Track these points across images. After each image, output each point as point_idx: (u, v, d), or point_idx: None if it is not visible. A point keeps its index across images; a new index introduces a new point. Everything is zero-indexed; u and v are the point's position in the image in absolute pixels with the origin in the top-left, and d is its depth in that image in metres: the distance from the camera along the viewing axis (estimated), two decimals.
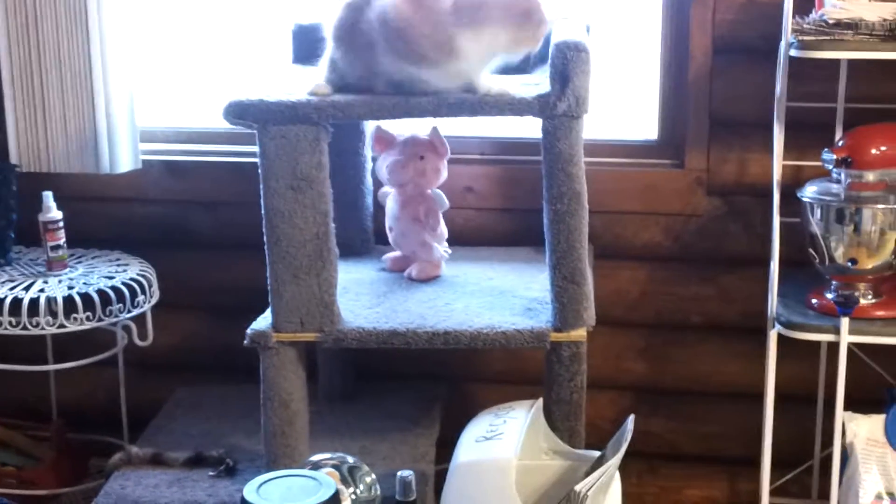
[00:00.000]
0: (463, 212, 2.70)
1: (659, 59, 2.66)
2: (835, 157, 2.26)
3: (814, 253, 2.33)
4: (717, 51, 2.54)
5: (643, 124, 2.73)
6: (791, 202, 2.37)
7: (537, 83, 2.15)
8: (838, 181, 2.29)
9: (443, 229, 2.46)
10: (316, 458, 2.09)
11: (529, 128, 2.21)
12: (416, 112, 2.08)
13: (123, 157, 2.73)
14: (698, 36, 2.54)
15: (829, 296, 2.34)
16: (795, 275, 2.43)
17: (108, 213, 2.86)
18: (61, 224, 2.65)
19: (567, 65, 2.00)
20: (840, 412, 2.32)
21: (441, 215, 2.45)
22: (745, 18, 2.51)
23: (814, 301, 2.36)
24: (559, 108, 2.03)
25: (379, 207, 2.55)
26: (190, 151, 2.85)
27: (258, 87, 2.20)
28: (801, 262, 2.39)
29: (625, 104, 2.76)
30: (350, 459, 2.08)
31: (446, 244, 2.48)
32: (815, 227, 2.31)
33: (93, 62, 2.65)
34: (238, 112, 2.10)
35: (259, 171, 2.13)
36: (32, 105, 2.70)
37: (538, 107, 2.05)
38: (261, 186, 2.13)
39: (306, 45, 2.50)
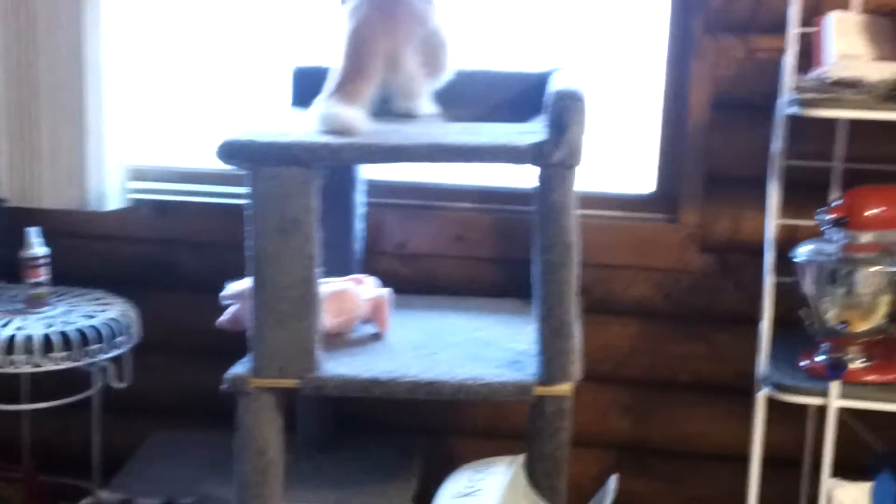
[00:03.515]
0: (452, 260, 2.68)
1: (660, 113, 2.65)
2: (830, 216, 2.24)
3: (805, 314, 2.30)
4: (715, 106, 2.54)
5: (637, 178, 2.72)
6: (785, 261, 2.34)
7: (532, 132, 2.13)
8: (833, 242, 2.26)
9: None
10: None
11: (521, 177, 2.18)
12: (409, 157, 2.06)
13: (111, 195, 2.71)
14: (698, 90, 2.53)
15: (820, 358, 2.30)
16: (787, 335, 2.39)
17: (93, 251, 2.83)
18: (44, 261, 2.61)
19: (564, 114, 1.99)
20: (826, 479, 2.27)
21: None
22: (744, 74, 2.51)
23: (804, 363, 2.32)
24: (554, 158, 2.01)
25: (369, 254, 2.52)
26: (178, 191, 2.82)
27: (251, 127, 2.18)
28: (793, 323, 2.36)
29: (618, 157, 2.74)
30: None
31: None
32: (808, 288, 2.28)
33: (85, 98, 2.63)
34: (230, 152, 2.07)
35: (247, 211, 2.09)
36: (22, 138, 2.67)
37: (533, 155, 2.03)
38: (248, 228, 2.09)
39: (306, 88, 2.48)
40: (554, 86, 2.09)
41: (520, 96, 2.41)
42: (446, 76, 2.37)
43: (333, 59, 2.30)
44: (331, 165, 2.17)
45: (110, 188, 2.69)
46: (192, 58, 2.89)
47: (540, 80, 2.34)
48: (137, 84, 2.80)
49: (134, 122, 2.78)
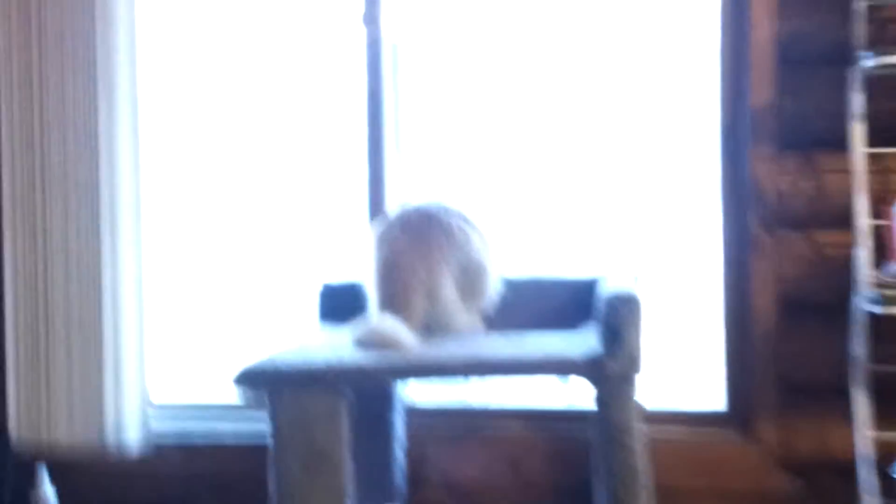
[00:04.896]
0: (505, 491, 2.48)
1: (722, 321, 2.50)
2: None
3: None
4: (783, 308, 2.38)
5: (705, 391, 2.55)
6: (884, 480, 2.11)
7: (584, 341, 1.98)
8: None
9: None
10: None
11: (577, 397, 1.99)
12: (448, 372, 1.90)
13: (132, 439, 2.57)
14: (762, 292, 2.39)
15: None
16: None
17: (109, 495, 2.66)
18: None
19: (618, 319, 1.85)
20: None
21: None
22: (811, 273, 2.37)
23: None
24: (611, 369, 1.84)
25: (412, 486, 2.29)
26: (202, 433, 2.67)
27: (272, 351, 2.03)
28: None
29: (681, 369, 2.59)
30: None
31: None
32: None
33: (104, 337, 2.53)
34: (249, 378, 1.91)
35: (270, 447, 1.91)
36: (37, 374, 2.57)
37: (586, 367, 1.86)
38: (271, 466, 1.90)
39: (334, 306, 2.38)
40: (605, 290, 1.95)
41: (569, 303, 2.26)
42: (488, 301, 2.21)
43: (367, 288, 2.16)
44: (365, 388, 1.98)
45: (129, 431, 2.56)
46: (219, 279, 2.82)
47: (589, 286, 2.22)
48: (157, 319, 2.72)
49: (153, 359, 2.67)
